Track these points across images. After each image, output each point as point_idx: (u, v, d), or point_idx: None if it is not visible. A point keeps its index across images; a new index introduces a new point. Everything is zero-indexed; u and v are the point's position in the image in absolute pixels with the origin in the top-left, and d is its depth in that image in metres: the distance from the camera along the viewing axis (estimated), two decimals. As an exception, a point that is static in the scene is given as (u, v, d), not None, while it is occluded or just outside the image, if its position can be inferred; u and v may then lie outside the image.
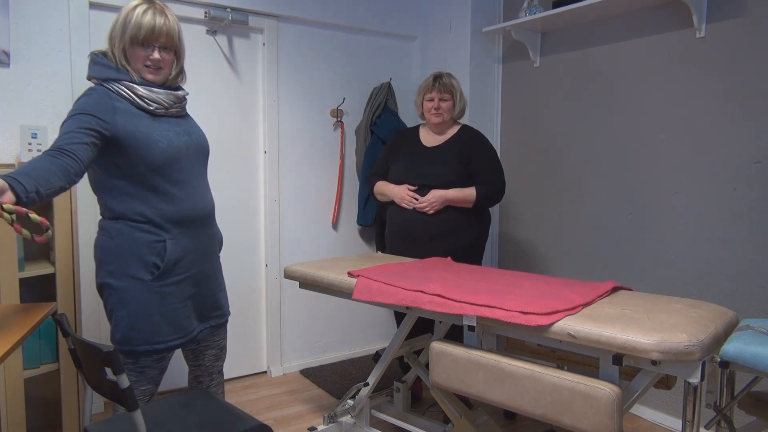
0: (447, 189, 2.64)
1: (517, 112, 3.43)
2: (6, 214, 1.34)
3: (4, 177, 1.40)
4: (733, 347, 1.43)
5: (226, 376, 3.25)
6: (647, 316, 1.58)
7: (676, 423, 2.69)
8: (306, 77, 3.38)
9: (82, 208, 2.73)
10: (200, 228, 1.89)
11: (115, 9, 2.81)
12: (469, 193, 2.65)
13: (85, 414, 1.70)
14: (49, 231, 1.43)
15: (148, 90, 1.78)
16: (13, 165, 2.48)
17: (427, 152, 2.75)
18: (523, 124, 3.39)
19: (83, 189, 2.74)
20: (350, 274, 2.15)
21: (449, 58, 3.53)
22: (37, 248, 2.60)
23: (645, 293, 1.98)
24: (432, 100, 2.72)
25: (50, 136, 2.61)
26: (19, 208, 1.35)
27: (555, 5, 2.90)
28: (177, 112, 1.87)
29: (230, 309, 2.60)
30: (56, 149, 1.57)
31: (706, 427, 1.63)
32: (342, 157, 3.54)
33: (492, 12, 3.46)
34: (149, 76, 1.80)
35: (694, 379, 1.43)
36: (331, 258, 2.62)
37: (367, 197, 3.52)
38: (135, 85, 1.76)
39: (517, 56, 3.40)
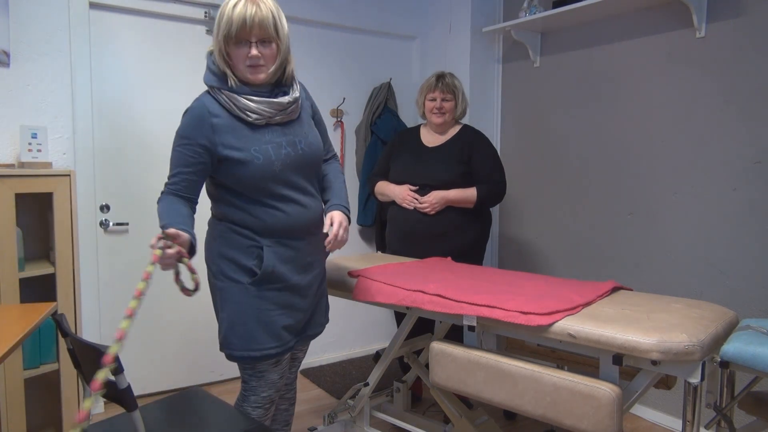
0: (448, 189, 2.63)
1: (517, 112, 3.43)
2: (181, 266, 1.57)
3: (186, 231, 1.58)
4: (733, 347, 1.43)
5: (226, 377, 3.25)
6: (647, 316, 1.58)
7: (676, 423, 2.69)
8: (306, 77, 3.37)
9: (82, 208, 2.73)
10: (302, 238, 1.79)
11: (115, 9, 2.81)
12: (470, 193, 2.64)
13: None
14: (197, 290, 1.60)
15: (248, 99, 1.67)
16: (13, 165, 2.48)
17: (428, 152, 2.75)
18: (523, 124, 3.39)
19: (83, 188, 2.74)
20: (350, 274, 2.15)
21: (449, 58, 3.53)
22: (37, 248, 2.60)
23: (645, 293, 1.98)
24: (434, 100, 2.72)
25: (50, 136, 2.61)
26: (190, 265, 1.56)
27: (555, 5, 2.90)
28: (282, 120, 1.73)
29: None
30: (184, 198, 1.69)
31: (706, 427, 1.63)
32: (342, 157, 3.54)
33: (492, 12, 3.46)
34: (250, 77, 1.67)
35: (694, 379, 1.43)
36: (331, 258, 2.62)
37: (367, 197, 3.52)
38: (235, 95, 1.66)
39: (517, 56, 3.40)
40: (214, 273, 1.77)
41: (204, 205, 1.79)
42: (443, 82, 2.71)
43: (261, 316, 1.72)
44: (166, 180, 1.71)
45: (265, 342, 1.73)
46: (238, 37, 1.63)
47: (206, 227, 1.84)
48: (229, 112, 1.68)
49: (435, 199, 2.62)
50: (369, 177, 2.96)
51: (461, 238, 2.67)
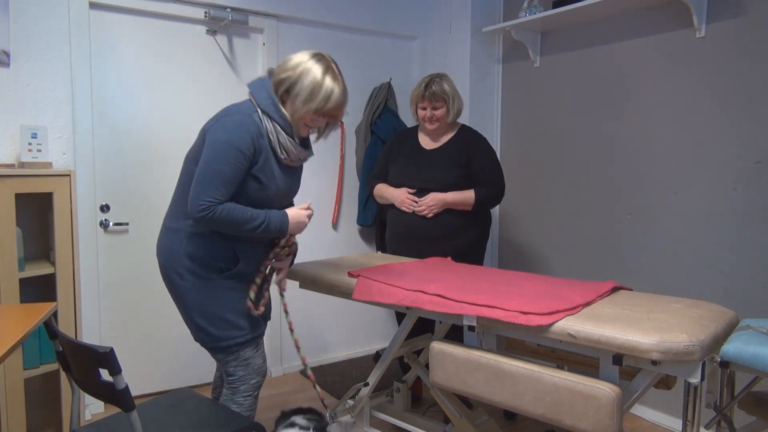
0: (446, 192, 2.63)
1: (517, 112, 3.43)
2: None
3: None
4: (733, 347, 1.43)
5: (226, 376, 3.25)
6: (647, 316, 1.58)
7: (676, 423, 2.69)
8: (306, 77, 3.37)
9: (82, 208, 2.73)
10: (270, 240, 2.00)
11: (115, 9, 2.81)
12: (468, 196, 2.64)
13: (73, 416, 1.69)
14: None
15: (291, 141, 1.85)
16: (12, 165, 2.48)
17: (426, 155, 2.74)
18: (523, 124, 3.39)
19: (83, 188, 2.74)
20: (350, 274, 2.15)
21: (449, 58, 3.53)
22: (37, 248, 2.60)
23: (645, 293, 1.98)
24: (425, 109, 2.67)
25: (50, 136, 2.61)
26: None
27: (555, 5, 2.90)
28: (294, 165, 1.95)
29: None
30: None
31: (706, 427, 1.63)
32: (342, 157, 3.54)
33: (492, 12, 3.46)
34: (299, 133, 1.88)
35: (694, 379, 1.43)
36: (331, 258, 2.62)
37: (367, 197, 3.52)
38: (284, 133, 1.83)
39: (517, 56, 3.40)
40: (180, 273, 1.84)
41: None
42: (431, 91, 2.63)
43: (236, 305, 1.86)
44: (215, 192, 1.73)
45: (247, 326, 1.89)
46: (327, 114, 1.80)
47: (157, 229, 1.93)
48: (269, 141, 1.83)
49: (432, 201, 2.61)
50: (368, 178, 2.95)
51: (460, 240, 2.67)
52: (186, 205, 1.83)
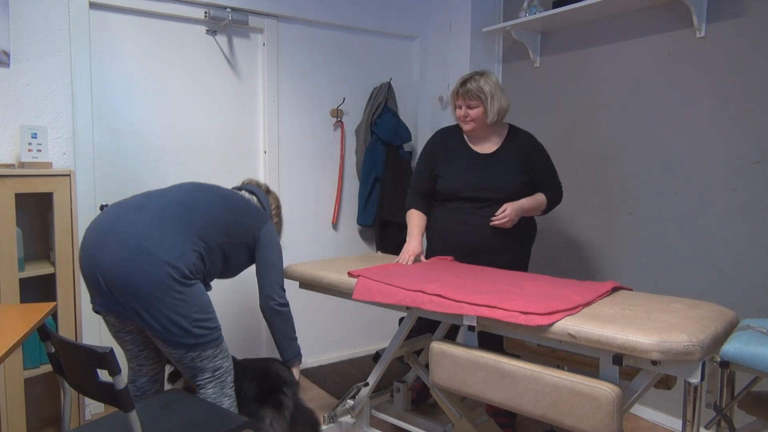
0: (511, 200, 2.44)
1: (517, 113, 3.43)
2: None
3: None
4: (733, 347, 1.43)
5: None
6: (647, 316, 1.58)
7: (676, 423, 2.69)
8: (306, 77, 3.38)
9: (82, 208, 2.73)
10: None
11: (115, 9, 2.81)
12: (541, 200, 2.49)
13: (65, 418, 1.69)
14: None
15: None
16: (12, 165, 2.48)
17: (484, 160, 2.52)
18: (522, 124, 3.38)
19: (83, 188, 2.74)
20: (350, 274, 2.15)
21: (449, 58, 3.53)
22: (37, 248, 2.60)
23: (645, 293, 1.98)
24: (460, 107, 2.49)
25: (50, 136, 2.61)
26: None
27: (555, 5, 2.90)
28: None
29: (229, 308, 3.10)
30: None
31: (706, 427, 1.63)
32: (342, 157, 3.54)
33: (492, 12, 3.46)
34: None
35: (694, 379, 1.43)
36: (331, 258, 2.62)
37: (367, 197, 3.51)
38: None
39: (517, 56, 3.40)
40: (179, 279, 1.86)
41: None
42: (465, 88, 2.45)
43: (208, 297, 2.00)
44: None
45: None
46: None
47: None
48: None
49: (512, 211, 2.39)
50: (409, 189, 2.66)
51: (521, 249, 2.56)
52: (190, 236, 1.93)
